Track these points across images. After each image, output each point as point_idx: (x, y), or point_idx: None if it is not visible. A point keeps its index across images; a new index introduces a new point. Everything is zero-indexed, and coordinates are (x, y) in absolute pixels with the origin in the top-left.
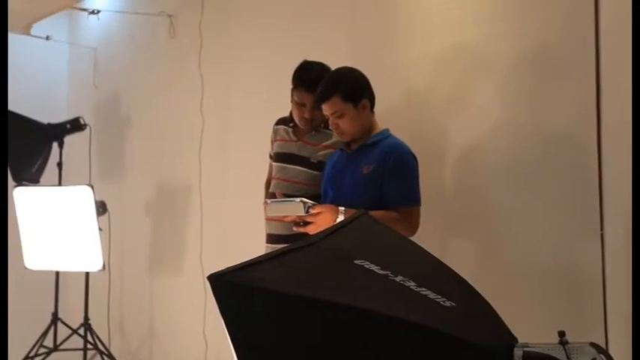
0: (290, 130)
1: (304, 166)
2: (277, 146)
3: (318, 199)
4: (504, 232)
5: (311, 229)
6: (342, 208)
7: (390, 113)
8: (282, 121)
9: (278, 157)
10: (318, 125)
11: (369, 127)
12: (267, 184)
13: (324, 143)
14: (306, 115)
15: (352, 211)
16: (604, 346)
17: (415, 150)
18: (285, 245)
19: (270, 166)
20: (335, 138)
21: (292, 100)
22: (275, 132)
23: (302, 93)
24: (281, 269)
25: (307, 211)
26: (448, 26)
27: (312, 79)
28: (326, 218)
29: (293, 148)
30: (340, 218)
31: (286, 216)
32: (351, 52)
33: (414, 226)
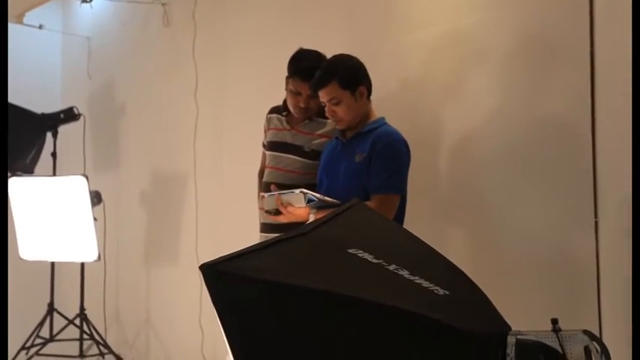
0: (283, 118)
1: (298, 155)
2: (271, 135)
3: (313, 187)
4: (498, 220)
5: (282, 218)
6: (318, 200)
7: (385, 101)
8: (275, 110)
9: (271, 145)
10: (312, 114)
11: (366, 114)
12: (261, 174)
13: (318, 132)
14: (302, 104)
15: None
16: (597, 334)
17: (410, 138)
18: (279, 234)
19: (264, 155)
20: (329, 127)
21: (287, 89)
22: (268, 120)
23: (297, 82)
24: (274, 258)
25: (308, 202)
26: (443, 14)
27: (307, 67)
28: (293, 211)
29: (287, 137)
30: (313, 215)
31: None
32: (348, 40)
33: (386, 215)
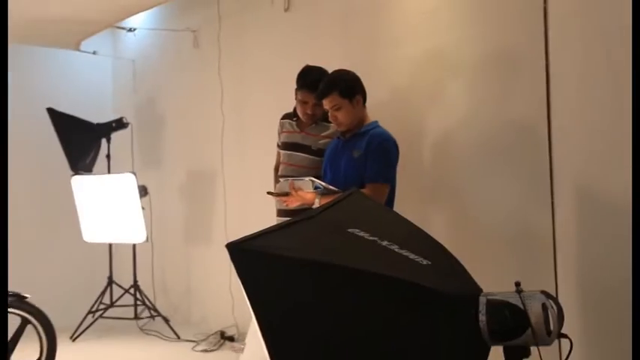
0: (294, 123)
1: (306, 153)
2: (284, 137)
3: (319, 178)
4: (472, 203)
5: (291, 200)
6: (323, 188)
7: (377, 107)
8: (287, 116)
9: (285, 146)
10: (317, 119)
11: (362, 118)
12: (276, 169)
13: (323, 134)
14: (308, 111)
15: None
16: (554, 294)
17: (398, 137)
18: (290, 218)
19: (278, 153)
20: (331, 129)
21: (296, 99)
22: (281, 125)
23: (305, 93)
24: (287, 237)
25: (315, 188)
26: (424, 34)
27: (313, 81)
28: (304, 195)
29: (297, 138)
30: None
31: (294, 193)
32: (345, 57)
33: (378, 200)
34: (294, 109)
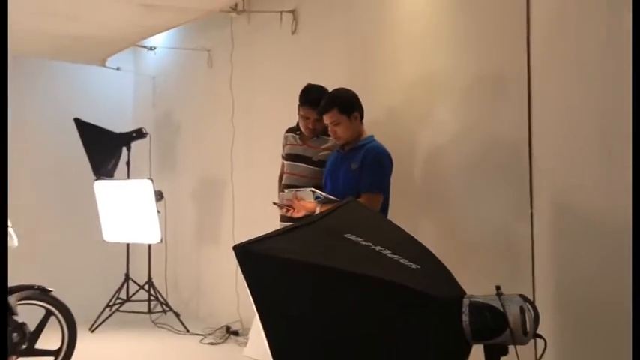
0: (297, 136)
1: (308, 164)
2: (287, 149)
3: (320, 188)
4: (458, 213)
5: (294, 213)
6: (323, 197)
7: (374, 124)
8: (290, 130)
9: (288, 157)
10: (318, 133)
11: (359, 133)
12: (280, 178)
13: (323, 147)
14: (310, 126)
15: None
16: (531, 298)
17: (392, 152)
18: (292, 223)
19: (282, 164)
20: (330, 142)
21: (299, 114)
22: (285, 138)
23: (307, 109)
24: (289, 241)
25: (315, 198)
26: (416, 59)
27: (314, 98)
28: (305, 205)
29: (299, 151)
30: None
31: (296, 202)
32: (345, 76)
33: (373, 209)
34: (297, 124)
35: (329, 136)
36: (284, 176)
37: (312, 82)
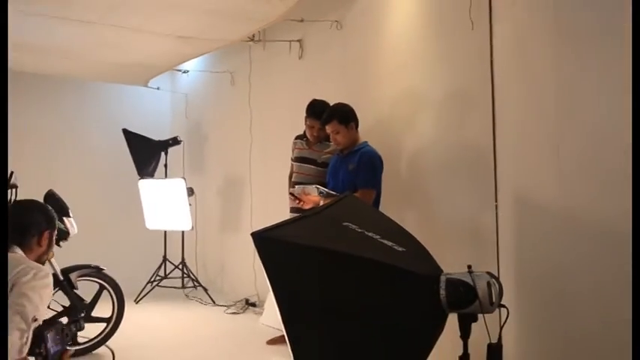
0: (304, 142)
1: (313, 165)
2: (296, 152)
3: (324, 185)
4: (436, 205)
5: (304, 205)
6: (326, 192)
7: (367, 131)
8: (298, 137)
9: (297, 159)
10: (321, 139)
11: (355, 139)
12: (290, 177)
13: (325, 150)
14: (315, 134)
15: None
16: (496, 274)
17: (382, 154)
18: (300, 214)
19: (292, 165)
20: (332, 147)
21: (305, 124)
22: (294, 144)
23: (312, 119)
24: (297, 228)
25: (319, 193)
26: (400, 79)
27: (318, 111)
28: (311, 199)
29: (306, 154)
30: (323, 202)
31: (304, 196)
32: (343, 93)
33: (366, 202)
34: (304, 132)
35: (330, 141)
36: (293, 175)
37: (316, 98)
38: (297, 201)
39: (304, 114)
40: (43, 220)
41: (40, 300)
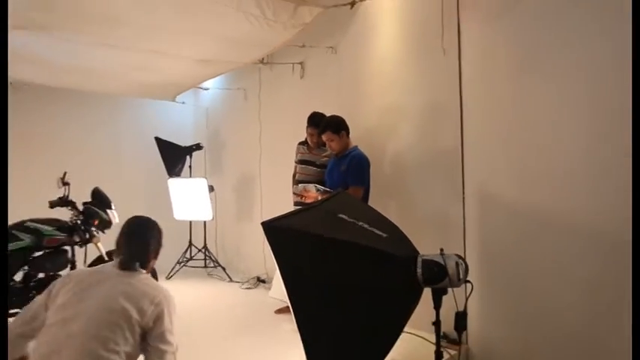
0: (305, 147)
1: (313, 166)
2: (299, 156)
3: (322, 183)
4: (414, 198)
5: (304, 200)
6: (323, 190)
7: (358, 138)
8: (301, 143)
9: (300, 162)
10: (320, 145)
11: (347, 145)
12: (293, 176)
13: (323, 154)
14: (314, 140)
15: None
16: (463, 256)
17: (370, 157)
18: (301, 207)
19: (295, 167)
20: (329, 151)
21: (307, 132)
22: (297, 149)
23: (312, 128)
24: (300, 219)
25: (317, 190)
26: (385, 94)
27: (317, 121)
28: (311, 195)
29: (307, 157)
30: (320, 196)
31: (305, 192)
32: (337, 107)
33: (356, 197)
34: (306, 139)
35: (326, 147)
36: (297, 175)
37: (316, 111)
38: (300, 197)
39: (306, 124)
40: (159, 240)
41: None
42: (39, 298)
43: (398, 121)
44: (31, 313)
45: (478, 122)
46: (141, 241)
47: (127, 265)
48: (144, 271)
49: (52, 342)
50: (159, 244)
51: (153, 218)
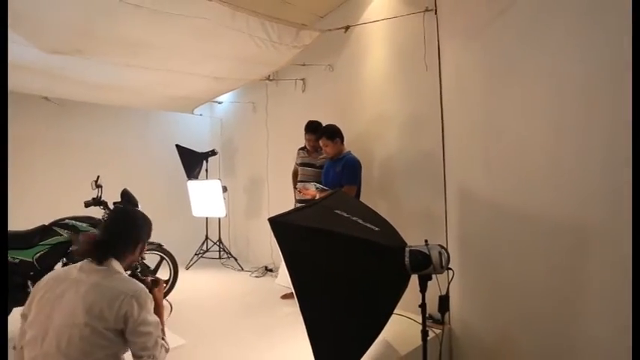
0: (305, 151)
1: (312, 167)
2: (300, 159)
3: (320, 183)
4: (401, 197)
5: (305, 196)
6: (320, 187)
7: (351, 143)
8: (301, 148)
9: (300, 164)
10: (317, 149)
11: (341, 150)
12: (293, 176)
13: (320, 157)
14: (312, 144)
15: (324, 192)
16: (445, 246)
17: (361, 159)
18: (303, 204)
19: (295, 168)
20: (324, 155)
21: (305, 138)
22: (298, 153)
23: (309, 135)
24: (301, 215)
25: (316, 188)
26: (374, 105)
27: (314, 128)
28: (310, 192)
29: (307, 160)
30: (318, 194)
31: (305, 190)
32: (333, 116)
33: (351, 195)
34: (305, 144)
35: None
36: (299, 176)
37: (312, 119)
38: (300, 192)
39: (303, 131)
40: (146, 232)
41: (149, 312)
42: (23, 310)
43: (386, 128)
44: (21, 327)
45: (456, 128)
46: (116, 232)
47: (98, 258)
48: (117, 266)
49: None
50: (137, 237)
51: (141, 211)
